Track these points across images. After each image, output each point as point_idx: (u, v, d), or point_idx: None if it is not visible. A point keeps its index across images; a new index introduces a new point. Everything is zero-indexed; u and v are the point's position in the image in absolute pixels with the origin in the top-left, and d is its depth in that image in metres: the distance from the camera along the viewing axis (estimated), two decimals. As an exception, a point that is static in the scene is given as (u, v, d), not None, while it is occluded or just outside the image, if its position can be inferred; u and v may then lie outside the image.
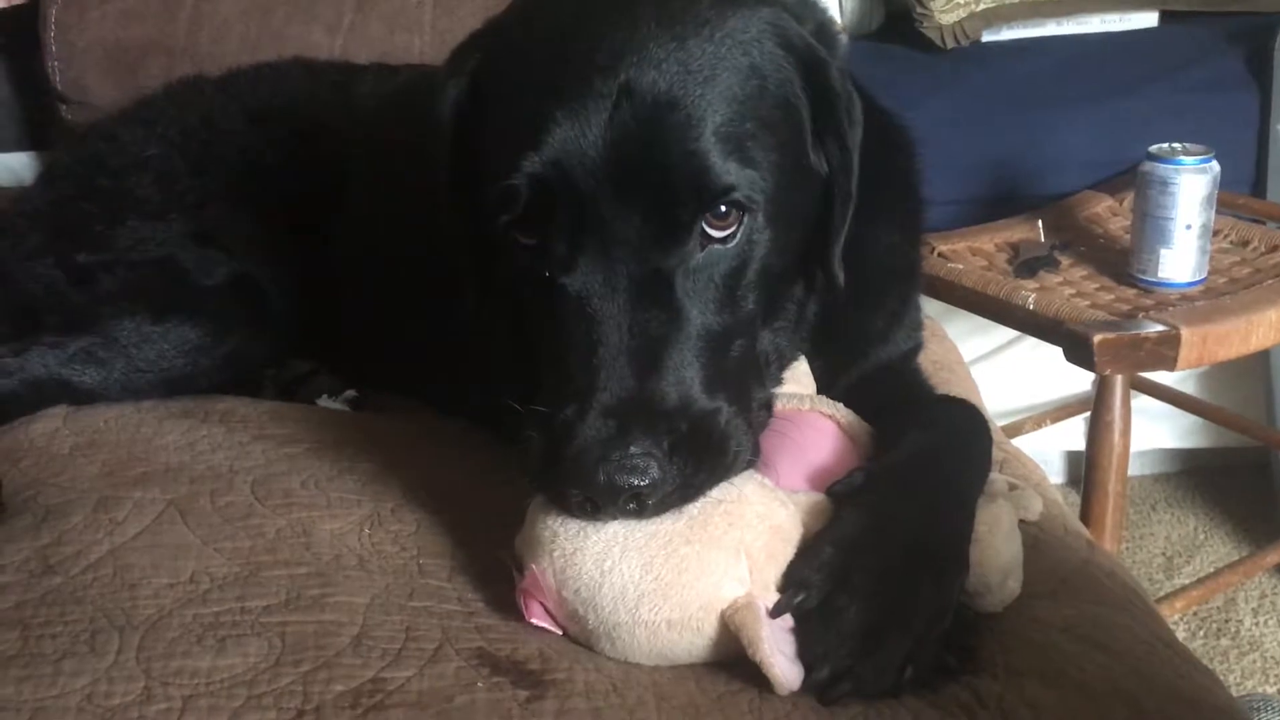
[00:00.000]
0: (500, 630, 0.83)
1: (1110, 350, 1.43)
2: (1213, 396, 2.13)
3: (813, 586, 0.79)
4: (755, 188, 0.82)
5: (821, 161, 0.91)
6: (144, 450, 1.03)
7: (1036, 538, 0.94)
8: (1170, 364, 1.47)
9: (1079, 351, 1.44)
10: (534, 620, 0.82)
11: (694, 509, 0.80)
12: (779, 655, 0.76)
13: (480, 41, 0.92)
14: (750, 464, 0.84)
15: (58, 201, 1.26)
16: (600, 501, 0.77)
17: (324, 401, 1.20)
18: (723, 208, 0.82)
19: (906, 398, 0.94)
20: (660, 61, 0.81)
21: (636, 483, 0.76)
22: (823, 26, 0.92)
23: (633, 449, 0.76)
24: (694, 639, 0.79)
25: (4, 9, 1.86)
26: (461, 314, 1.08)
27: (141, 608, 0.81)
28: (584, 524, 0.80)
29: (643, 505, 0.78)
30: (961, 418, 0.99)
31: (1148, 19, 2.14)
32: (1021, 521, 0.95)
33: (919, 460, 0.89)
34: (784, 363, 0.98)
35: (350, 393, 1.21)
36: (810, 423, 0.93)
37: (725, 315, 0.84)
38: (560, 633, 0.83)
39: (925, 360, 1.25)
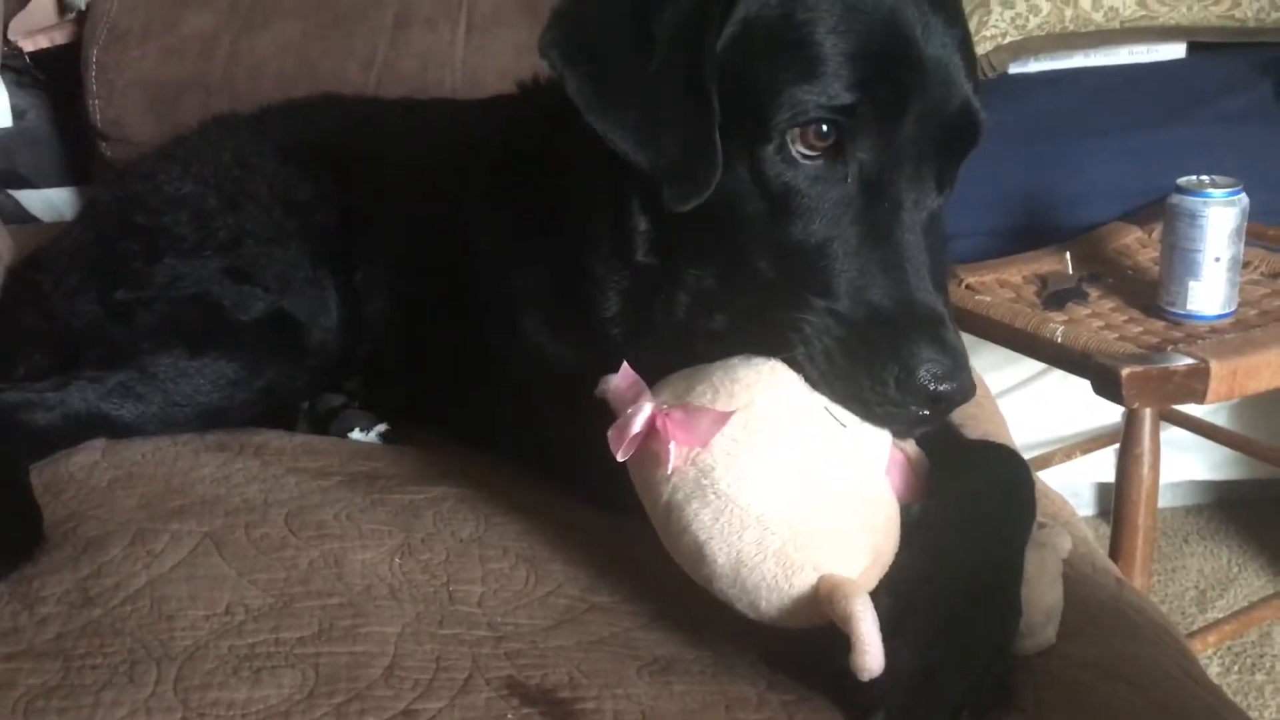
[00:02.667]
0: (529, 656, 0.84)
1: (1139, 384, 1.43)
2: (1245, 428, 2.12)
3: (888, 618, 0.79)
4: None
5: None
6: (180, 483, 1.05)
7: (1066, 575, 0.94)
8: (1200, 397, 1.46)
9: (1107, 385, 1.44)
10: (671, 443, 0.81)
11: (865, 489, 0.83)
12: (875, 633, 0.75)
13: None
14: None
15: (98, 239, 1.29)
16: (938, 412, 0.86)
17: (356, 435, 1.22)
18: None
19: (942, 442, 0.95)
20: (949, 13, 0.93)
21: (962, 400, 0.85)
22: None
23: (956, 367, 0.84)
24: (783, 582, 0.79)
25: (47, 48, 1.90)
26: (495, 342, 1.11)
27: (179, 639, 0.82)
28: (775, 407, 0.82)
29: (950, 410, 0.87)
30: (1006, 464, 0.99)
31: (1175, 50, 2.14)
32: (1053, 561, 0.95)
33: (968, 506, 0.89)
34: None
35: (382, 426, 1.23)
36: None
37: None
38: (668, 469, 0.81)
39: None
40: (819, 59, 0.88)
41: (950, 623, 0.80)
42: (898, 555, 0.84)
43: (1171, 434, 2.08)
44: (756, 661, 0.85)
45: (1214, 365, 1.43)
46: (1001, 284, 1.78)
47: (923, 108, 0.89)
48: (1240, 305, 1.62)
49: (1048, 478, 1.99)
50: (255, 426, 1.20)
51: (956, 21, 0.94)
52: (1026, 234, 1.91)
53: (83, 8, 1.91)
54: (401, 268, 1.26)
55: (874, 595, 0.80)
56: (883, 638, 0.77)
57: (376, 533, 0.97)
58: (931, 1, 0.92)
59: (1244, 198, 1.57)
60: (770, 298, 0.90)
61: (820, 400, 0.85)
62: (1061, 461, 2.06)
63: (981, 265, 1.81)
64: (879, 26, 0.89)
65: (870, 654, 0.74)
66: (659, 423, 0.82)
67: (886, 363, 0.84)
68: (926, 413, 0.86)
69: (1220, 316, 1.59)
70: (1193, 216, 1.55)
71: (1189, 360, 1.44)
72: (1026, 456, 2.01)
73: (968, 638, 0.80)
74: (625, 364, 0.89)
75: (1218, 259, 1.56)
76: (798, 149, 0.89)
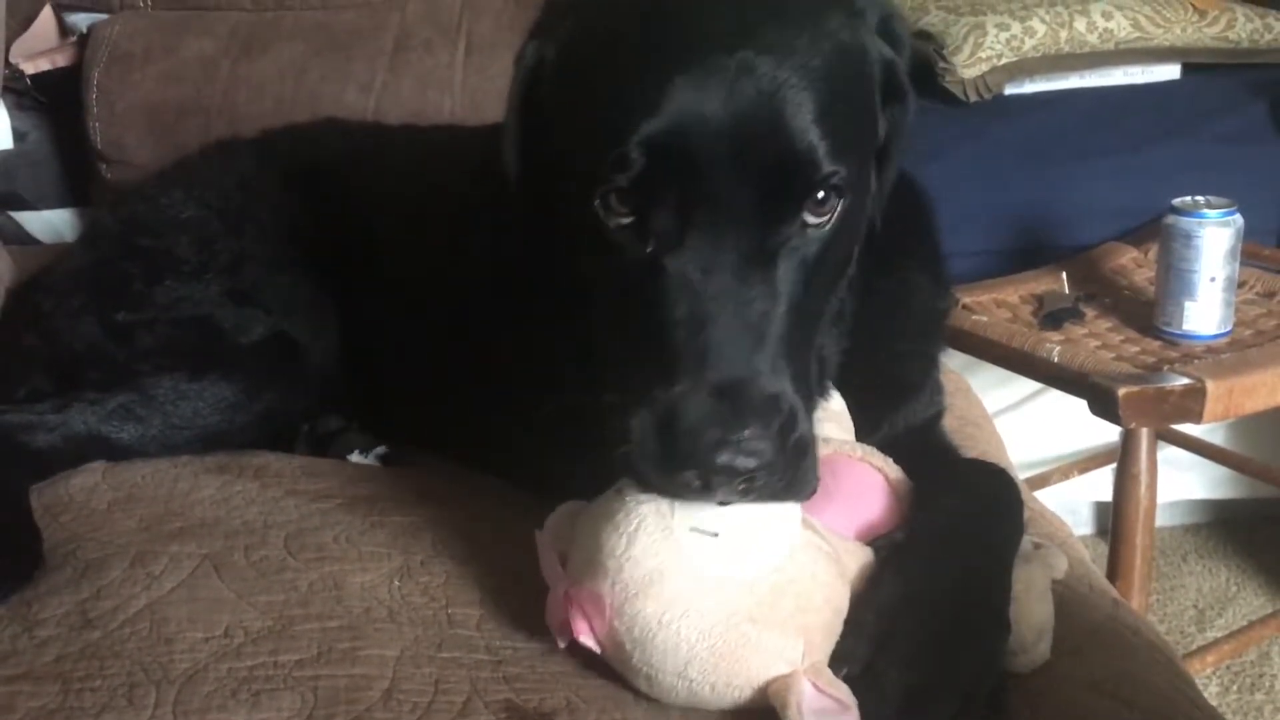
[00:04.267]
0: (528, 680, 0.84)
1: (1135, 404, 1.43)
2: (1242, 446, 2.12)
3: (857, 656, 0.80)
4: (849, 174, 0.84)
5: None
6: (180, 505, 1.05)
7: (1061, 595, 0.95)
8: (1196, 417, 1.47)
9: (1104, 405, 1.45)
10: (579, 636, 0.82)
11: (764, 586, 0.80)
12: None
13: (566, 7, 0.91)
14: (813, 491, 0.83)
15: (99, 261, 1.29)
16: (715, 484, 0.78)
17: (355, 457, 1.22)
18: (821, 193, 0.83)
19: (934, 461, 0.95)
20: (772, 43, 0.82)
21: (754, 466, 0.77)
22: (886, 21, 0.93)
23: (747, 432, 0.76)
24: (732, 702, 0.80)
25: (48, 71, 1.92)
26: (497, 366, 1.10)
27: (178, 662, 0.82)
28: (652, 566, 0.80)
29: (751, 489, 0.78)
30: (993, 481, 0.99)
31: (1170, 71, 2.15)
32: (1046, 580, 0.95)
33: (954, 523, 0.90)
34: (828, 370, 0.98)
35: (381, 449, 1.23)
36: (862, 475, 0.94)
37: (808, 301, 0.85)
38: (598, 651, 0.82)
39: (951, 416, 1.26)
40: (601, 121, 0.83)
41: (938, 641, 0.80)
42: (885, 578, 0.84)
43: (1169, 453, 2.08)
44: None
45: (1210, 385, 1.44)
46: (998, 304, 1.78)
47: (727, 163, 0.80)
48: (1236, 325, 1.62)
49: (1045, 497, 2.00)
50: (255, 449, 1.20)
51: (783, 47, 0.83)
52: (1023, 254, 1.92)
53: (84, 31, 1.93)
54: (401, 295, 1.27)
55: (858, 613, 0.82)
56: (868, 655, 0.79)
57: (375, 555, 0.97)
58: (748, 32, 0.83)
59: (1239, 218, 1.58)
60: (616, 371, 0.87)
61: (683, 525, 0.82)
62: (1059, 480, 2.07)
63: (978, 285, 1.81)
64: (672, 73, 0.80)
65: None
66: (570, 609, 0.83)
67: (676, 438, 0.78)
68: (713, 483, 0.78)
69: (1216, 336, 1.60)
70: (1188, 237, 1.56)
71: (1185, 380, 1.45)
72: (1024, 475, 2.02)
73: (956, 656, 0.80)
74: (540, 534, 0.91)
75: (1213, 279, 1.57)
76: (606, 211, 0.84)
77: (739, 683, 0.79)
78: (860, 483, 0.93)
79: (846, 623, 0.82)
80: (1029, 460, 2.11)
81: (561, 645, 0.85)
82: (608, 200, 0.83)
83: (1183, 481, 2.19)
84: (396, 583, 0.94)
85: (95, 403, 1.15)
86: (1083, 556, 1.10)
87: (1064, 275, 1.83)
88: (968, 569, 0.86)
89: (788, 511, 0.84)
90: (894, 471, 0.95)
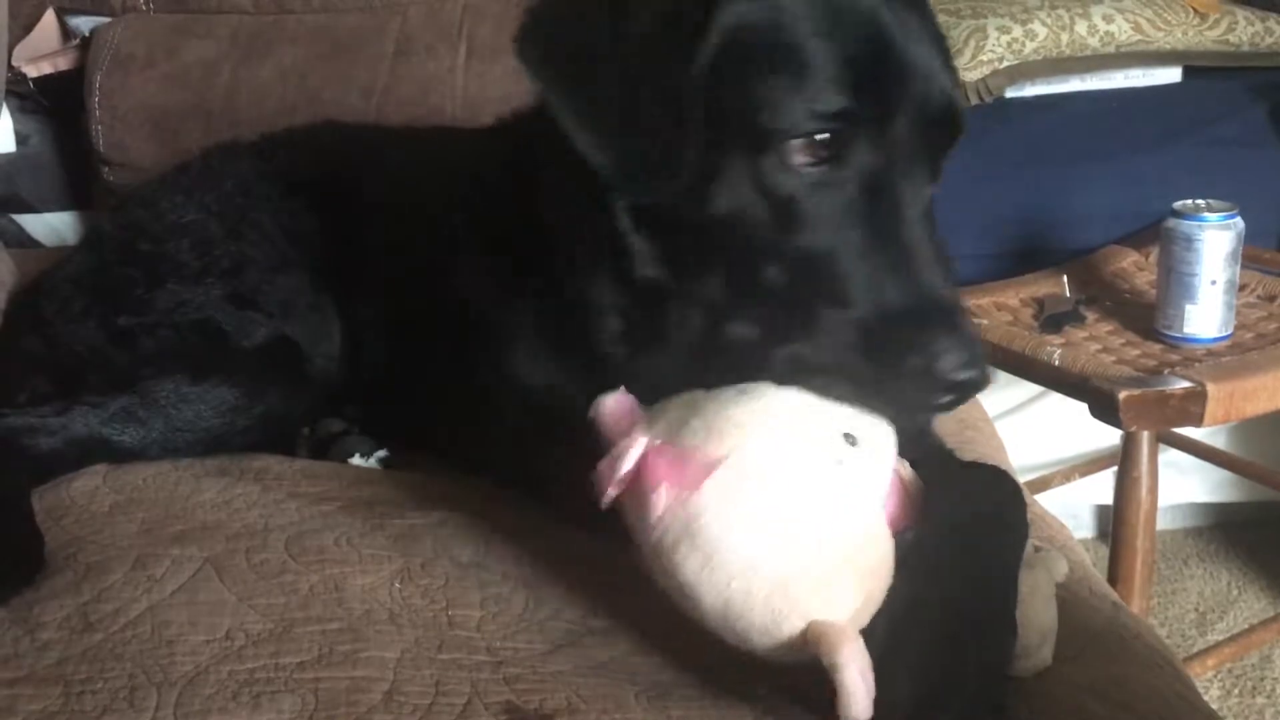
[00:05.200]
0: (528, 681, 0.84)
1: (1136, 407, 1.43)
2: (1244, 450, 2.12)
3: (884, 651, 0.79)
4: None
5: None
6: (181, 508, 1.06)
7: (1062, 599, 0.94)
8: (1197, 420, 1.47)
9: (1105, 408, 1.45)
10: (655, 490, 0.80)
11: (861, 532, 0.82)
12: (859, 682, 0.75)
13: None
14: None
15: (100, 265, 1.30)
16: (959, 397, 0.87)
17: (356, 460, 1.22)
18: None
19: (933, 465, 0.95)
20: (924, 11, 0.98)
21: (982, 385, 0.88)
22: None
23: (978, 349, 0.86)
24: (768, 628, 0.78)
25: (50, 74, 1.92)
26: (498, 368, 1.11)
27: (179, 664, 0.82)
28: (771, 458, 0.80)
29: (956, 403, 0.89)
30: (996, 485, 0.99)
31: (1171, 74, 2.16)
32: (1048, 584, 0.95)
33: (960, 527, 0.89)
34: None
35: (382, 452, 1.23)
36: None
37: None
38: (658, 514, 0.80)
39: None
40: (809, 67, 0.89)
41: (947, 646, 0.80)
42: (894, 580, 0.84)
43: (1171, 456, 2.08)
44: (754, 686, 0.85)
45: (1211, 388, 1.44)
46: (999, 307, 1.79)
47: (911, 105, 0.91)
48: (1237, 328, 1.63)
49: (1047, 499, 2.01)
50: (256, 451, 1.20)
51: (930, 17, 0.98)
52: (1024, 257, 1.92)
53: (86, 34, 1.93)
54: (399, 298, 1.27)
55: (870, 621, 0.81)
56: (879, 661, 0.78)
57: (376, 558, 0.97)
58: (904, 1, 0.95)
59: (1239, 221, 1.58)
60: (782, 307, 0.91)
61: (815, 437, 0.84)
62: (1060, 483, 2.07)
63: (979, 288, 1.82)
64: (862, 29, 0.91)
65: (855, 704, 0.73)
66: (649, 461, 0.81)
67: (905, 357, 0.85)
68: (948, 399, 0.88)
69: (1217, 339, 1.60)
70: (1189, 240, 1.56)
71: (1186, 383, 1.45)
72: (1025, 479, 2.03)
73: (965, 660, 0.80)
74: (621, 390, 0.89)
75: (1214, 282, 1.57)
76: (796, 159, 0.89)
77: (793, 614, 0.77)
78: (892, 486, 0.93)
79: (877, 621, 0.82)
80: (1030, 463, 2.11)
81: (611, 493, 0.82)
82: (804, 143, 0.89)
83: (1184, 484, 2.19)
84: (397, 585, 0.94)
85: (97, 406, 1.15)
86: (1083, 560, 1.10)
87: (1065, 278, 1.83)
88: (975, 573, 0.86)
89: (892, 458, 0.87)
90: (907, 471, 0.95)
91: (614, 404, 0.88)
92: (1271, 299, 1.73)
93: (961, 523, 0.90)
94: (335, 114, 1.62)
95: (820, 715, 0.78)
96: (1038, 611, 0.89)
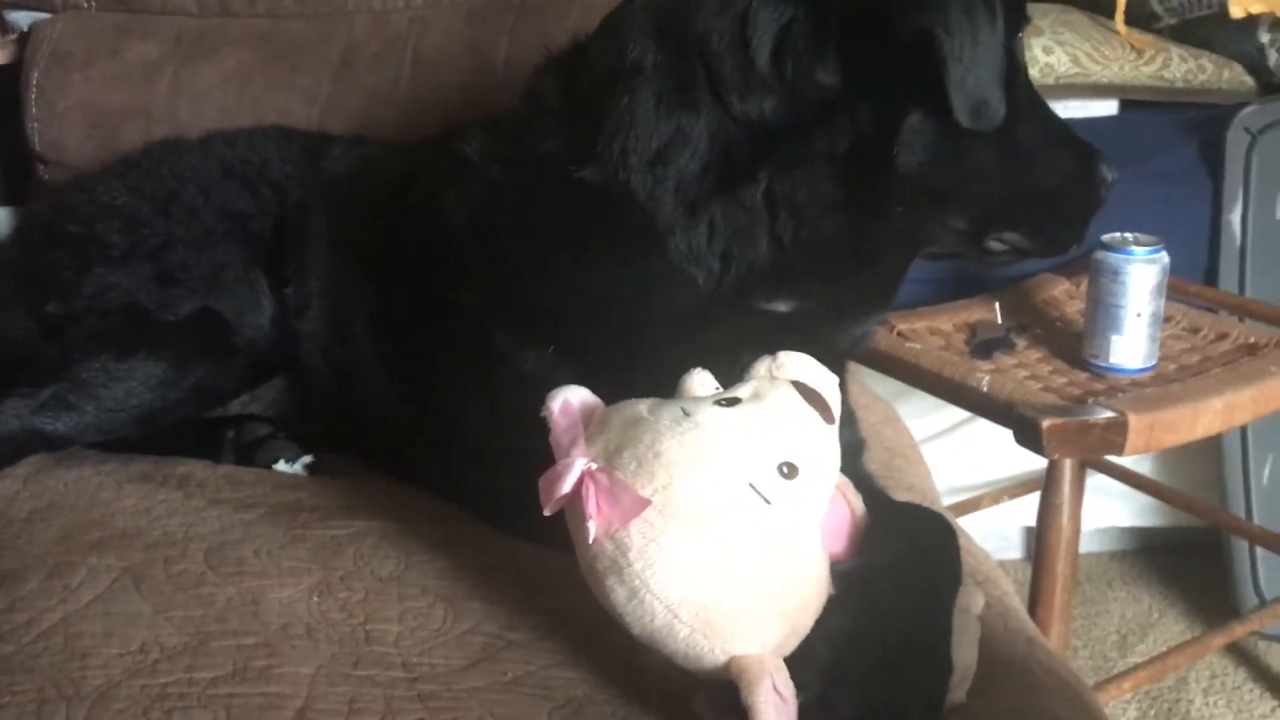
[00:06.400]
0: (443, 698, 0.84)
1: (1059, 435, 1.46)
2: (1168, 476, 2.17)
3: (809, 685, 0.81)
4: None
5: None
6: (101, 515, 1.05)
7: (980, 633, 0.96)
8: (1118, 450, 1.50)
9: (1028, 436, 1.47)
10: (590, 519, 0.81)
11: (794, 572, 0.83)
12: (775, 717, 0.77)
13: None
14: None
15: (29, 251, 1.30)
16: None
17: (281, 466, 1.22)
18: None
19: (867, 501, 0.97)
20: None
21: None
22: None
23: None
24: (693, 656, 0.80)
25: (-13, 69, 1.89)
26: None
27: (90, 678, 0.82)
28: (706, 499, 0.81)
29: None
30: (932, 525, 1.01)
31: (1108, 107, 2.20)
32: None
33: (900, 564, 0.91)
34: None
35: (307, 458, 1.23)
36: (836, 502, 0.94)
37: None
38: (590, 538, 0.81)
39: (880, 446, 1.28)
40: None
41: (886, 677, 0.82)
42: (834, 611, 0.86)
43: (1098, 480, 2.12)
44: (671, 702, 0.86)
45: (1132, 419, 1.47)
46: (933, 331, 1.81)
47: None
48: (1161, 359, 1.66)
49: (976, 521, 2.04)
50: (189, 422, 1.20)
51: None
52: (958, 282, 1.94)
53: (25, 29, 1.90)
54: (336, 295, 1.27)
55: (808, 643, 0.83)
56: (824, 690, 0.80)
57: (295, 570, 0.97)
58: None
59: (1165, 256, 1.61)
60: None
61: (747, 472, 0.84)
62: (990, 505, 2.10)
63: (913, 312, 1.84)
64: None
65: None
66: (584, 489, 0.82)
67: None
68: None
69: (1141, 370, 1.63)
70: (1115, 273, 1.60)
71: (1108, 413, 1.47)
72: (957, 499, 2.06)
73: (903, 692, 0.82)
74: (565, 397, 0.89)
75: (1139, 314, 1.61)
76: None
77: (715, 649, 0.79)
78: (834, 511, 0.94)
79: (795, 652, 0.84)
80: (962, 485, 2.14)
81: (547, 512, 0.83)
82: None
83: (1111, 509, 2.23)
84: (315, 599, 0.95)
85: (27, 397, 1.15)
86: (1005, 593, 1.12)
87: (997, 305, 1.86)
88: (913, 611, 0.88)
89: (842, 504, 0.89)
90: (856, 499, 0.96)
91: (560, 411, 0.88)
92: (1195, 331, 1.77)
93: (901, 561, 0.92)
94: (277, 120, 1.61)
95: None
96: (962, 651, 0.91)
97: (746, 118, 1.00)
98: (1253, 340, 1.73)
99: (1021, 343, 1.76)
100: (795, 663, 0.82)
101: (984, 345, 1.75)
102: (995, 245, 1.11)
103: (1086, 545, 2.30)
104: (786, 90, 1.00)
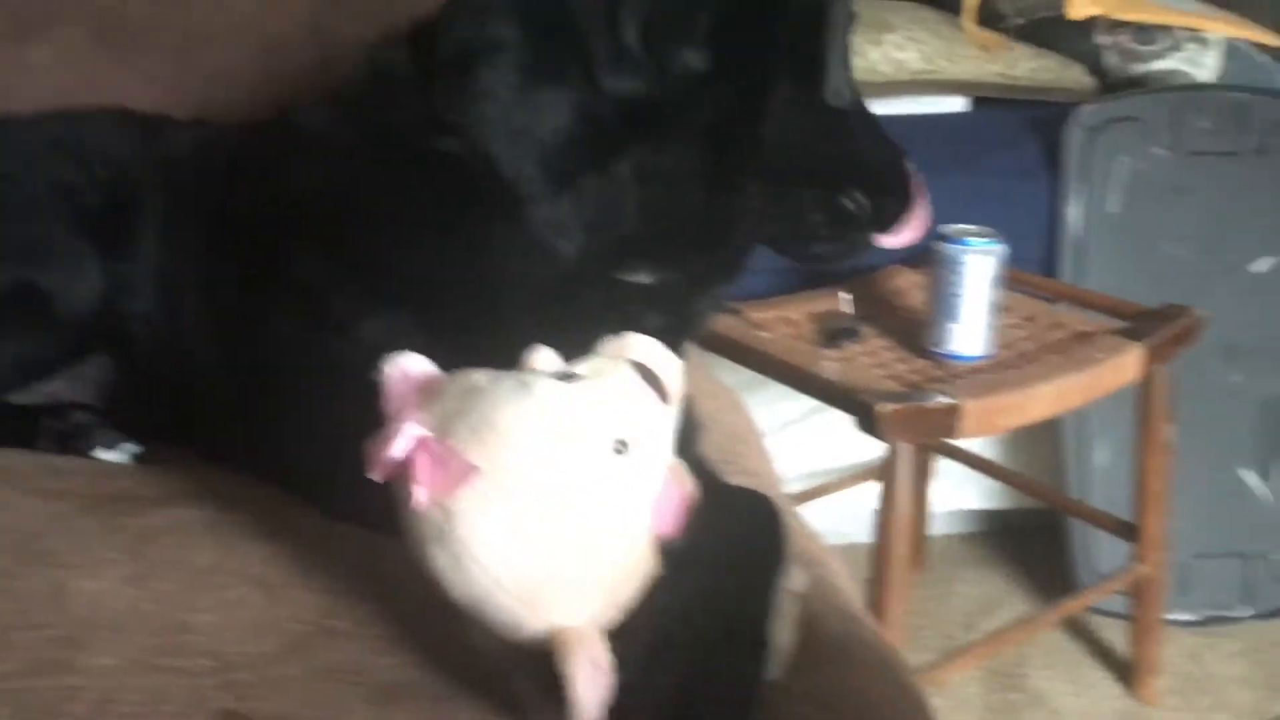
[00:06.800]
0: (256, 686, 0.83)
1: (896, 421, 1.51)
2: (1015, 460, 2.25)
3: (630, 662, 0.81)
4: None
5: None
6: (-100, 508, 1.01)
7: (801, 613, 0.99)
8: (954, 433, 1.56)
9: (867, 421, 1.52)
10: (418, 485, 0.80)
11: (624, 546, 0.83)
12: (588, 693, 0.77)
13: None
14: None
15: None
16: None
17: (101, 453, 1.19)
18: None
19: (701, 486, 0.98)
20: None
21: None
22: None
23: None
24: (513, 625, 0.81)
25: None
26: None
27: None
28: (542, 474, 0.80)
29: None
30: (759, 508, 1.02)
31: (958, 103, 2.28)
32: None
33: (725, 545, 0.92)
34: None
35: (129, 445, 1.20)
36: (668, 484, 0.93)
37: None
38: (421, 503, 0.80)
39: (720, 432, 1.30)
40: None
41: (706, 655, 0.83)
42: (659, 589, 0.87)
43: (950, 464, 2.19)
44: (490, 682, 0.86)
45: (967, 404, 1.53)
46: (784, 321, 1.85)
47: None
48: (999, 347, 1.72)
49: (829, 504, 2.09)
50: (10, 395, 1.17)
51: None
52: (810, 274, 1.99)
53: None
54: (171, 274, 1.24)
55: (631, 623, 0.84)
56: (643, 662, 0.81)
57: (108, 561, 0.95)
58: None
59: (1001, 247, 1.68)
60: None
61: (582, 445, 0.84)
62: (842, 488, 2.15)
63: (766, 302, 1.88)
64: None
65: (581, 713, 0.76)
66: (414, 456, 0.82)
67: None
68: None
69: (979, 358, 1.70)
70: (952, 263, 1.65)
71: (945, 399, 1.53)
72: (811, 484, 2.09)
73: (722, 671, 0.83)
74: (403, 363, 0.88)
75: (976, 303, 1.67)
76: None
77: (534, 619, 0.80)
78: (666, 492, 0.95)
79: (621, 628, 0.84)
80: (816, 469, 2.19)
81: (374, 477, 0.82)
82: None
83: (961, 492, 2.31)
84: (129, 589, 0.93)
85: None
86: (831, 574, 1.14)
87: (847, 295, 1.91)
88: (735, 588, 0.89)
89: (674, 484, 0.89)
90: (687, 479, 0.97)
91: (397, 375, 0.87)
92: (1032, 320, 1.84)
93: (726, 540, 0.93)
94: (117, 101, 1.56)
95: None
96: (781, 631, 0.93)
97: (615, 94, 1.01)
98: (1086, 329, 1.81)
99: (870, 332, 1.82)
100: (617, 639, 0.83)
101: (833, 334, 1.80)
102: (847, 204, 1.12)
103: (939, 527, 2.38)
104: (655, 68, 1.01)
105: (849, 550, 2.00)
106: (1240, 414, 2.17)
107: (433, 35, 1.08)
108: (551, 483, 0.83)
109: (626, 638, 0.83)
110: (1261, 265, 2.15)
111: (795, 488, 2.11)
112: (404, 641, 0.91)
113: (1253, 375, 2.16)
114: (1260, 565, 2.18)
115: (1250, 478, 2.18)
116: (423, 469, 0.81)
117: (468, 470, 0.81)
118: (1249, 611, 2.18)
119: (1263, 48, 2.35)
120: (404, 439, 0.82)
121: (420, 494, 0.81)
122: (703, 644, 0.84)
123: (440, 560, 0.81)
